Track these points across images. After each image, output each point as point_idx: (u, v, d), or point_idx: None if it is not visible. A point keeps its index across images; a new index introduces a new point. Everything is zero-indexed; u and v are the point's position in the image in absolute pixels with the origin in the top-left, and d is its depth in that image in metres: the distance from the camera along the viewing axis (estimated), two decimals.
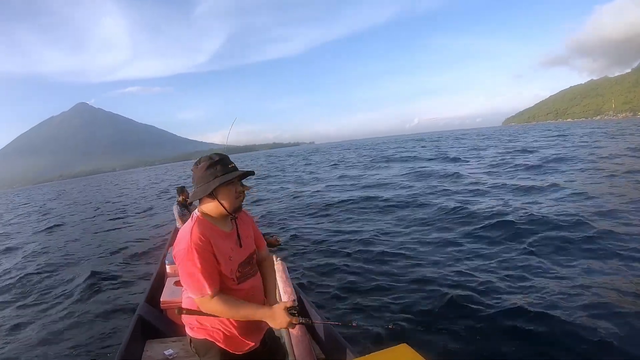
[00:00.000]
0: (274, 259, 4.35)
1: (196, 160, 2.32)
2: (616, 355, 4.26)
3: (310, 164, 49.99)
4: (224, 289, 2.18)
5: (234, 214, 2.32)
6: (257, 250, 2.54)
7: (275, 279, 2.62)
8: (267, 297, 2.50)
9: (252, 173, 2.38)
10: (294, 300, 2.08)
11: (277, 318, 2.11)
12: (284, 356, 2.77)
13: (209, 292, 2.07)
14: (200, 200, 2.28)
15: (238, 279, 2.26)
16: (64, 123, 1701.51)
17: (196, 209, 2.35)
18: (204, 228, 2.15)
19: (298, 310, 2.16)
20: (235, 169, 2.27)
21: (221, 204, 2.22)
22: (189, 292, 2.17)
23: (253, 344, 2.35)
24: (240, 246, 2.32)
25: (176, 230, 9.59)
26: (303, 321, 2.16)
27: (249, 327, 2.30)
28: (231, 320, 2.24)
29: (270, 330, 2.59)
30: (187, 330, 2.38)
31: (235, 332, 2.28)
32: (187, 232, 2.13)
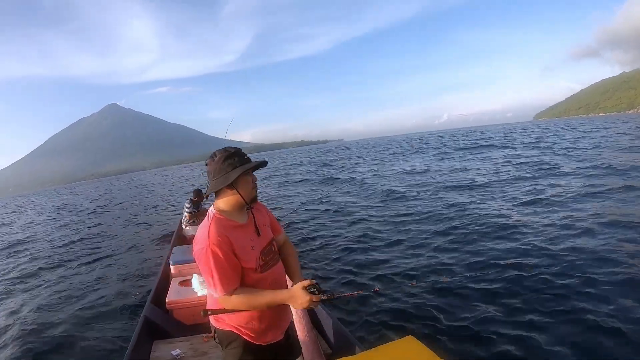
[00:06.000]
0: None
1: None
2: None
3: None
4: (248, 280, 2.23)
5: (251, 204, 2.36)
6: (275, 236, 2.56)
7: (297, 256, 2.67)
8: (292, 277, 2.52)
9: (265, 164, 2.41)
10: (312, 279, 2.15)
11: (297, 298, 2.13)
12: (299, 348, 2.81)
13: (225, 291, 2.12)
14: (217, 194, 2.31)
15: (262, 267, 2.29)
16: (95, 124, 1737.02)
17: (211, 207, 2.37)
18: (222, 226, 2.18)
19: (318, 288, 2.16)
20: (250, 160, 2.31)
21: (240, 194, 2.25)
22: (211, 291, 2.22)
23: (277, 335, 2.37)
24: (259, 235, 2.35)
25: (179, 229, 9.75)
26: (324, 297, 2.16)
27: (274, 319, 2.34)
28: (257, 312, 2.28)
29: (293, 323, 2.61)
30: (212, 321, 2.41)
31: (260, 324, 2.31)
32: (204, 232, 2.17)
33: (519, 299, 5.43)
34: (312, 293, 2.12)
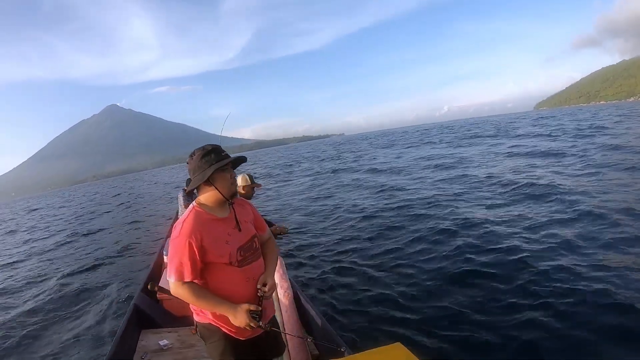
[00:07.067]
0: None
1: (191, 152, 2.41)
2: None
3: None
4: (222, 273, 2.30)
5: (230, 199, 2.42)
6: (259, 234, 2.60)
7: (276, 256, 2.70)
8: (264, 271, 2.51)
9: (244, 159, 2.49)
10: (258, 306, 2.25)
11: (237, 317, 2.21)
12: (284, 345, 2.81)
13: (175, 279, 2.21)
14: (198, 189, 2.38)
15: (239, 262, 2.33)
16: (95, 125, 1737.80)
17: (194, 200, 2.43)
18: (198, 219, 2.26)
19: (260, 315, 2.26)
20: (227, 156, 2.37)
21: (218, 190, 2.32)
22: (167, 273, 2.25)
23: (256, 330, 2.36)
24: (239, 230, 2.40)
25: (176, 218, 9.63)
26: (262, 326, 2.28)
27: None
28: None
29: (274, 319, 2.66)
30: (194, 315, 2.46)
31: None
32: (181, 221, 2.28)
33: (510, 306, 5.19)
34: (253, 318, 2.22)
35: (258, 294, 2.35)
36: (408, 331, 4.96)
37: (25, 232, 22.95)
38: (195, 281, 2.26)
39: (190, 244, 2.17)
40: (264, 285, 2.39)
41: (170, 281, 2.25)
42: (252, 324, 2.21)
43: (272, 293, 2.42)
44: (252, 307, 2.23)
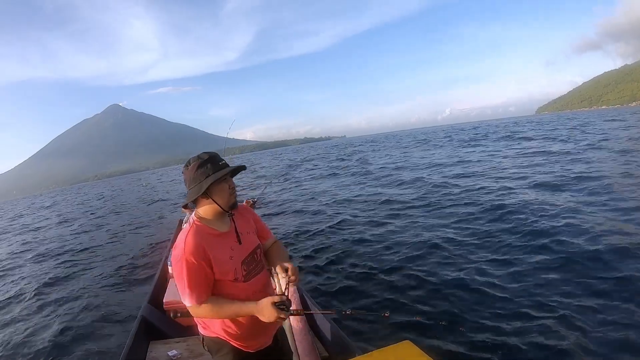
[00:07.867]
0: None
1: (186, 161, 2.31)
2: None
3: None
4: (227, 290, 2.21)
5: (230, 210, 2.32)
6: (263, 242, 2.52)
7: (284, 254, 2.56)
8: (278, 261, 2.40)
9: (243, 168, 2.39)
10: (283, 294, 2.14)
11: (265, 313, 2.10)
12: (291, 353, 2.71)
13: (193, 302, 2.11)
14: (195, 202, 2.27)
15: (244, 277, 2.26)
16: (97, 125, 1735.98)
17: (192, 213, 2.34)
18: (200, 235, 2.16)
19: (287, 304, 2.13)
20: (225, 165, 2.26)
21: (216, 203, 2.22)
22: (182, 298, 2.17)
23: (265, 341, 2.32)
24: (240, 243, 2.31)
25: (180, 226, 9.65)
26: (294, 312, 2.18)
27: (261, 324, 2.23)
28: (243, 318, 2.25)
29: (281, 328, 2.58)
30: (199, 329, 2.39)
31: (246, 329, 2.28)
32: (182, 239, 2.15)
33: (520, 302, 5.26)
34: (280, 309, 2.09)
35: (286, 281, 2.24)
36: (417, 330, 4.93)
37: (28, 234, 22.79)
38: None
39: (198, 262, 2.09)
40: (286, 271, 2.24)
41: (187, 306, 2.16)
42: (282, 316, 2.10)
43: (297, 277, 2.27)
44: (276, 299, 2.10)
